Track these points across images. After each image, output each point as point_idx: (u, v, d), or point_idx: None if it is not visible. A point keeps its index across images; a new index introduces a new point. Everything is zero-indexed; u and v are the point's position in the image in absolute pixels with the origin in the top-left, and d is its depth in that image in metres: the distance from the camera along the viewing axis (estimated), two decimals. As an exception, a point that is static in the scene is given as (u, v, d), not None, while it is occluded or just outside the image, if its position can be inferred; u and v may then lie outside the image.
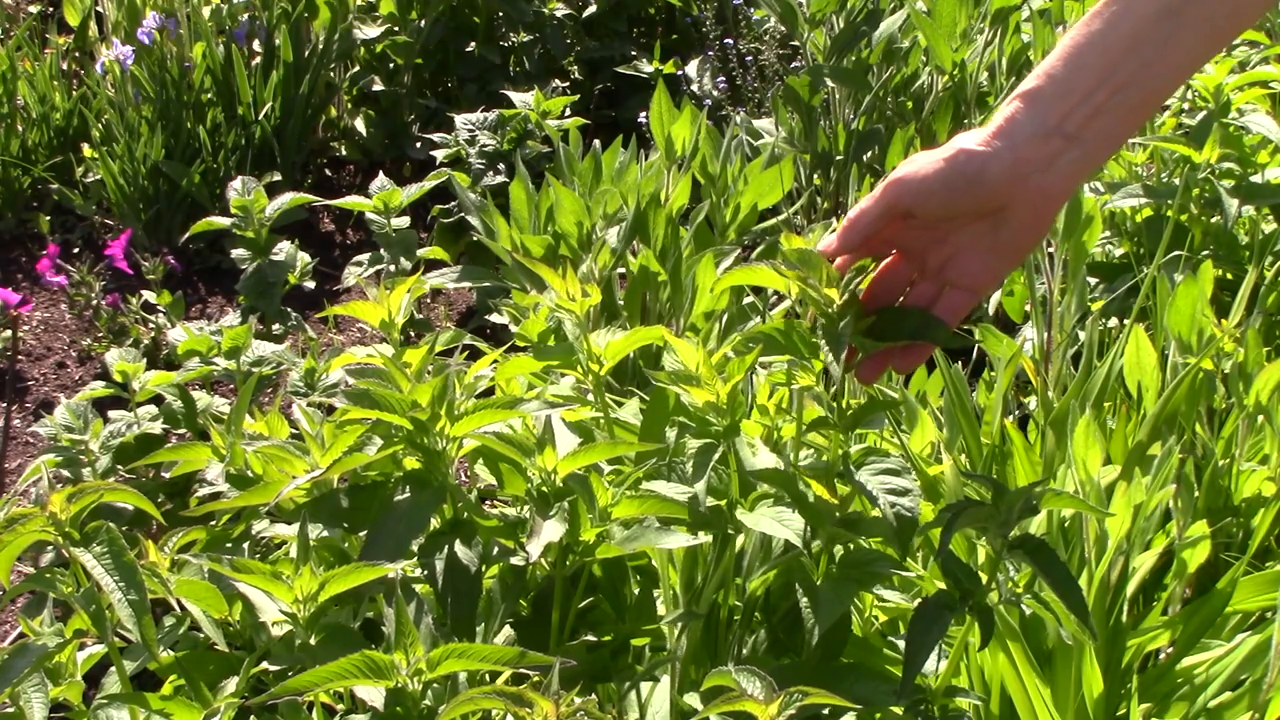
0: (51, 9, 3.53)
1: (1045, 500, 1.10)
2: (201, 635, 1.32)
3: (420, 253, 2.30)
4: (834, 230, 1.08)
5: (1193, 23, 0.95)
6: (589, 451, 1.18)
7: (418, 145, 3.15)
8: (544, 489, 1.18)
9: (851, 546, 1.19)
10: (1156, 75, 0.96)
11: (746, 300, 2.15)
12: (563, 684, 0.94)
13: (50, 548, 1.82)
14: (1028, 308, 2.02)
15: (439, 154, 2.67)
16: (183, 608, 1.25)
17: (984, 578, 1.11)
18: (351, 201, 2.30)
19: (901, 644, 1.26)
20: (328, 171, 3.28)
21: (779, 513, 1.14)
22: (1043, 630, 1.41)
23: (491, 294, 2.38)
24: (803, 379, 1.12)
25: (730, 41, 3.14)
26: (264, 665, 1.16)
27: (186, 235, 2.44)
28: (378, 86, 3.27)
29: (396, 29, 3.26)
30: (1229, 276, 2.15)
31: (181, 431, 1.98)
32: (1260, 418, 1.67)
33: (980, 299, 1.07)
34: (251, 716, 1.26)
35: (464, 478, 1.86)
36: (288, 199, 2.24)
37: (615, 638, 1.29)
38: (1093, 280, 2.18)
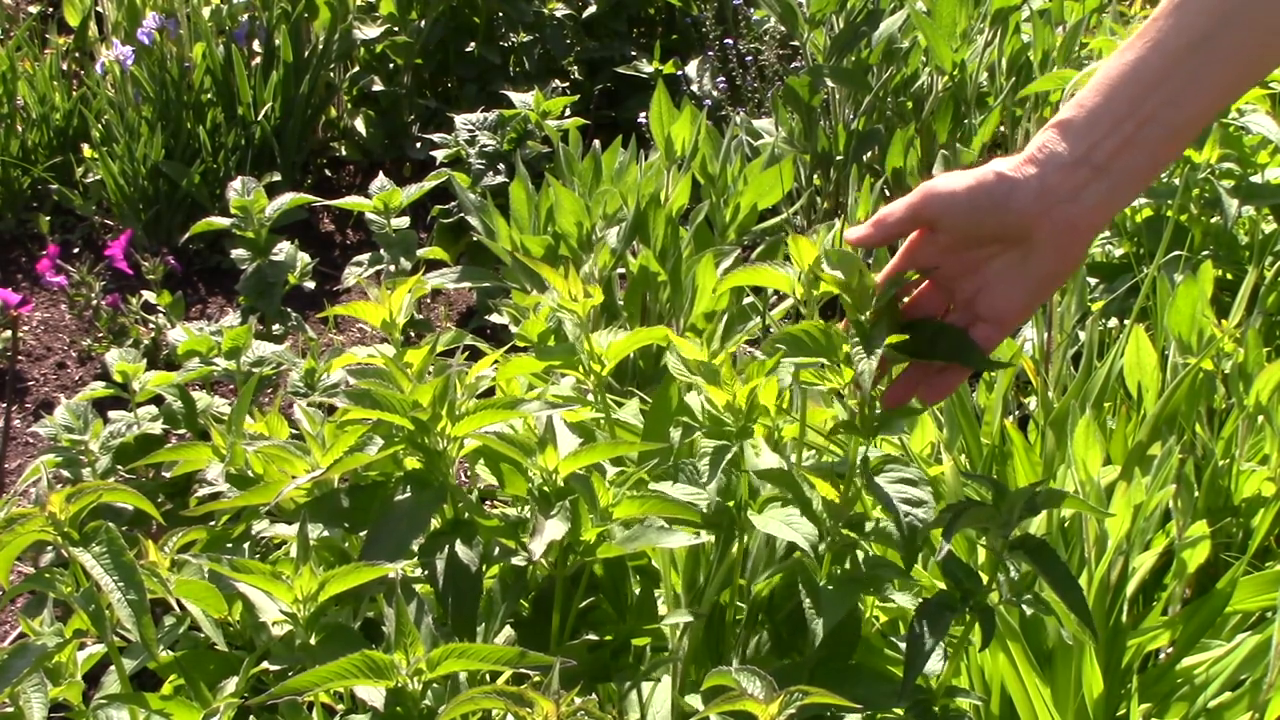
0: (51, 9, 3.53)
1: (1045, 500, 1.10)
2: (201, 635, 1.32)
3: (420, 253, 2.30)
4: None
5: (1223, 56, 0.94)
6: (590, 451, 1.18)
7: (418, 145, 3.15)
8: (545, 489, 1.18)
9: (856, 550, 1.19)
10: (1184, 109, 0.95)
11: (746, 300, 2.15)
12: (563, 684, 0.93)
13: (50, 548, 1.82)
14: (1028, 308, 2.02)
15: (439, 154, 2.67)
16: (182, 607, 1.25)
17: (984, 578, 1.11)
18: (351, 201, 2.30)
19: (902, 644, 1.26)
20: (328, 171, 3.28)
21: (788, 515, 1.14)
22: (1043, 630, 1.41)
23: (491, 294, 2.38)
24: (837, 381, 1.10)
25: (730, 41, 3.14)
26: (264, 665, 1.16)
27: (186, 235, 2.44)
28: (378, 86, 3.27)
29: (396, 29, 3.26)
30: (1229, 276, 2.15)
31: (181, 432, 1.98)
32: (1260, 418, 1.67)
33: (1008, 333, 1.06)
34: (251, 716, 1.26)
35: (465, 478, 1.86)
36: (287, 199, 2.24)
37: (616, 638, 1.29)
38: (1093, 280, 2.19)
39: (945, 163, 2.56)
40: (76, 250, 2.90)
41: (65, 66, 3.22)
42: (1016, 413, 2.10)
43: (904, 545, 1.08)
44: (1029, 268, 1.00)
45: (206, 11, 3.08)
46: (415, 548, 1.18)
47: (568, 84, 3.39)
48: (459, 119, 2.70)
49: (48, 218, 2.94)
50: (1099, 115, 0.97)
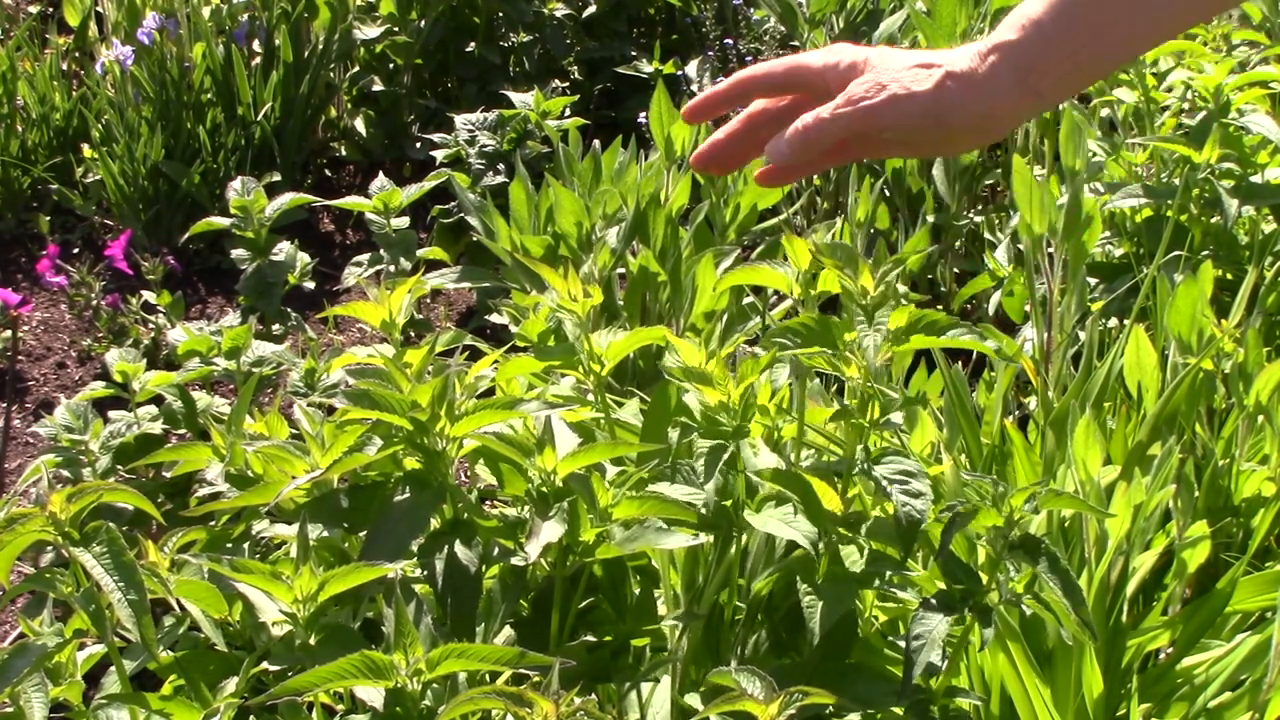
0: (51, 9, 3.53)
1: (1045, 500, 1.10)
2: (201, 635, 1.32)
3: (420, 253, 2.30)
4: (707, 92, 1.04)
5: None
6: (589, 452, 1.18)
7: (418, 145, 3.15)
8: (544, 489, 1.18)
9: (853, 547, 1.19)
10: (1142, 40, 0.96)
11: (746, 300, 2.15)
12: (563, 684, 0.94)
13: (50, 548, 1.82)
14: (1028, 308, 2.02)
15: (439, 154, 2.67)
16: (182, 608, 1.25)
17: (984, 578, 1.11)
18: (351, 202, 2.29)
19: (902, 644, 1.26)
20: (328, 171, 3.28)
21: (785, 513, 1.14)
22: (1043, 630, 1.41)
23: (491, 294, 2.38)
24: (849, 370, 1.12)
25: (730, 41, 3.14)
26: (264, 665, 1.16)
27: (186, 235, 2.44)
28: (378, 86, 3.27)
29: (396, 29, 3.26)
30: (1229, 276, 2.15)
31: (181, 431, 1.98)
32: (1260, 418, 1.67)
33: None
34: (251, 716, 1.26)
35: (464, 478, 1.86)
36: (287, 199, 2.24)
37: (616, 638, 1.29)
38: (1093, 280, 2.18)
39: (944, 163, 2.56)
40: (76, 250, 2.90)
41: (65, 66, 3.22)
42: (1016, 413, 2.10)
43: (901, 537, 1.08)
44: (941, 147, 1.02)
45: (206, 11, 3.08)
46: (414, 548, 1.18)
47: (568, 84, 3.39)
48: (459, 119, 2.70)
49: (48, 218, 2.94)
50: (1051, 40, 0.95)
